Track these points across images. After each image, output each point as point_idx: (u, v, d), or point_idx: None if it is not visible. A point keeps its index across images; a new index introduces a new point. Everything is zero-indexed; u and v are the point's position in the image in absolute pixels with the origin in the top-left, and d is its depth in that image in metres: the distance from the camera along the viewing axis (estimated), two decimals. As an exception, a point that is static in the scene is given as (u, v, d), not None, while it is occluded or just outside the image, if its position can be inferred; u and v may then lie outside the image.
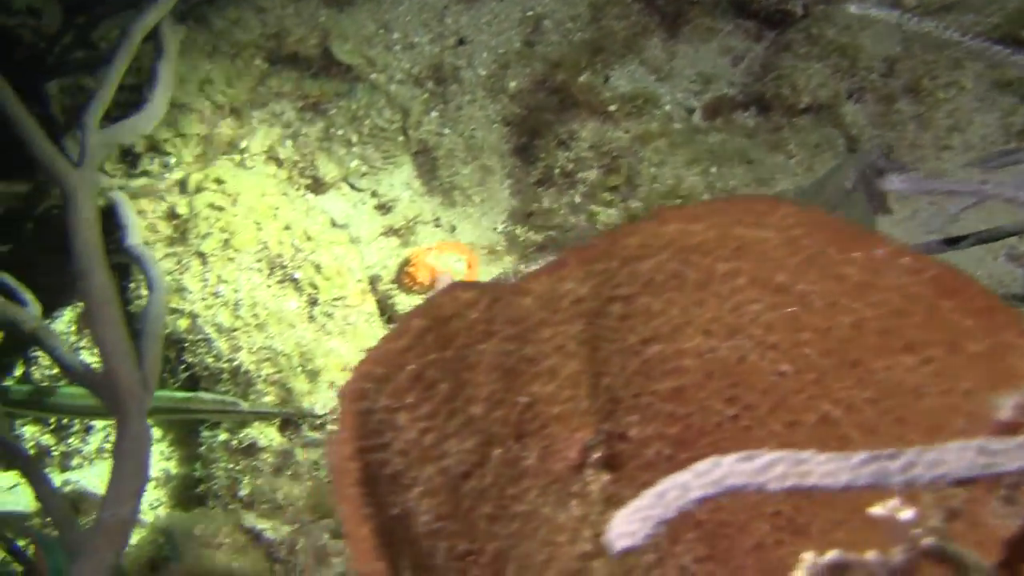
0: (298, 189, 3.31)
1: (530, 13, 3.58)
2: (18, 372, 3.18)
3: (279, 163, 3.32)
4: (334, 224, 3.21)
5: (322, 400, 2.92)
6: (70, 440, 3.13)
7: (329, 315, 2.97)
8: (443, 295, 1.25)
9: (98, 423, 3.12)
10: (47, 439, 3.13)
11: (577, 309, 1.40)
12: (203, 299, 2.96)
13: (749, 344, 1.49)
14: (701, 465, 1.33)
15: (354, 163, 3.38)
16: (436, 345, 1.23)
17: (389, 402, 1.18)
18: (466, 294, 1.27)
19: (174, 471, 3.10)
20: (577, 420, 1.46)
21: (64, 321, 3.15)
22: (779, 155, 3.09)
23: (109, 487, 2.11)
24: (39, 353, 3.11)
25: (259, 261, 3.00)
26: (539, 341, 1.39)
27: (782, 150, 3.12)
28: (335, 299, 2.98)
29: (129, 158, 3.25)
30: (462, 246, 3.10)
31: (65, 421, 3.13)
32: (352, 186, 3.39)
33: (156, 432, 3.10)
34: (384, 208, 3.36)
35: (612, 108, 3.29)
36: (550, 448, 1.46)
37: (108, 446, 3.11)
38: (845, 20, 3.39)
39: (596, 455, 1.48)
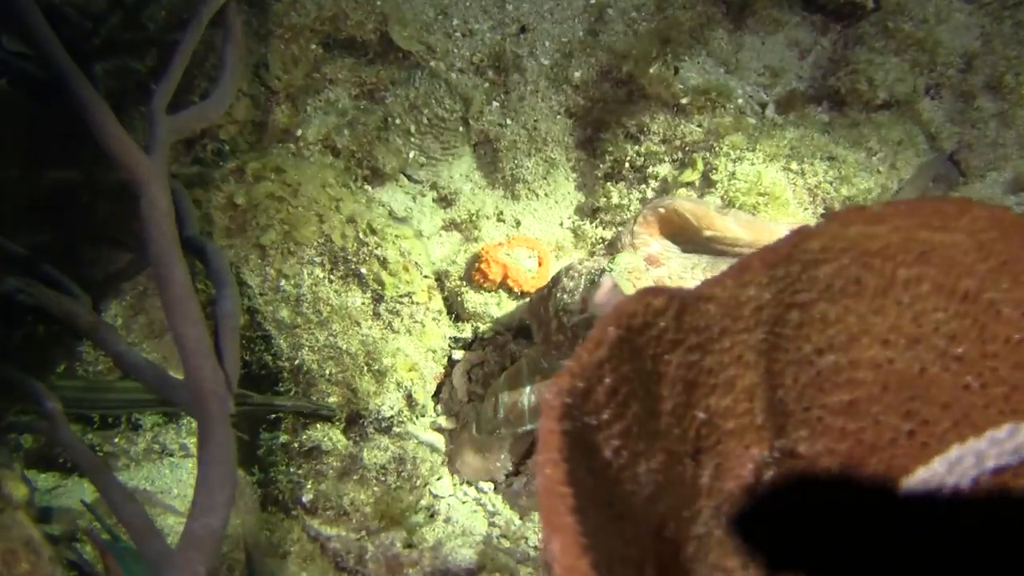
0: (356, 180, 3.21)
1: (593, 1, 3.47)
2: (61, 368, 3.07)
3: (336, 153, 3.21)
4: (393, 217, 3.10)
5: (389, 401, 2.81)
6: (116, 440, 3.01)
7: (395, 312, 2.87)
8: (635, 302, 1.15)
9: (146, 422, 3.00)
10: (91, 438, 3.02)
11: (758, 317, 1.30)
12: (262, 294, 2.85)
13: (930, 355, 1.38)
14: (998, 432, 1.23)
15: (412, 153, 3.28)
16: (629, 356, 1.14)
17: (589, 420, 1.08)
18: (657, 301, 1.17)
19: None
20: (751, 435, 1.36)
21: (110, 315, 3.03)
22: (860, 152, 3.00)
23: (197, 496, 2.00)
24: (85, 347, 2.99)
25: (321, 255, 2.89)
26: (719, 351, 1.30)
27: (863, 147, 3.02)
28: (401, 296, 2.87)
29: (181, 144, 3.14)
30: (533, 241, 3.00)
31: (111, 420, 3.02)
32: (410, 178, 3.29)
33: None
34: (445, 201, 3.26)
35: (684, 100, 3.19)
36: (723, 466, 1.36)
37: (156, 447, 3.00)
38: (921, 13, 3.30)
39: (769, 474, 1.39)
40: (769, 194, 2.83)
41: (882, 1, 3.43)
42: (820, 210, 2.88)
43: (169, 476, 2.93)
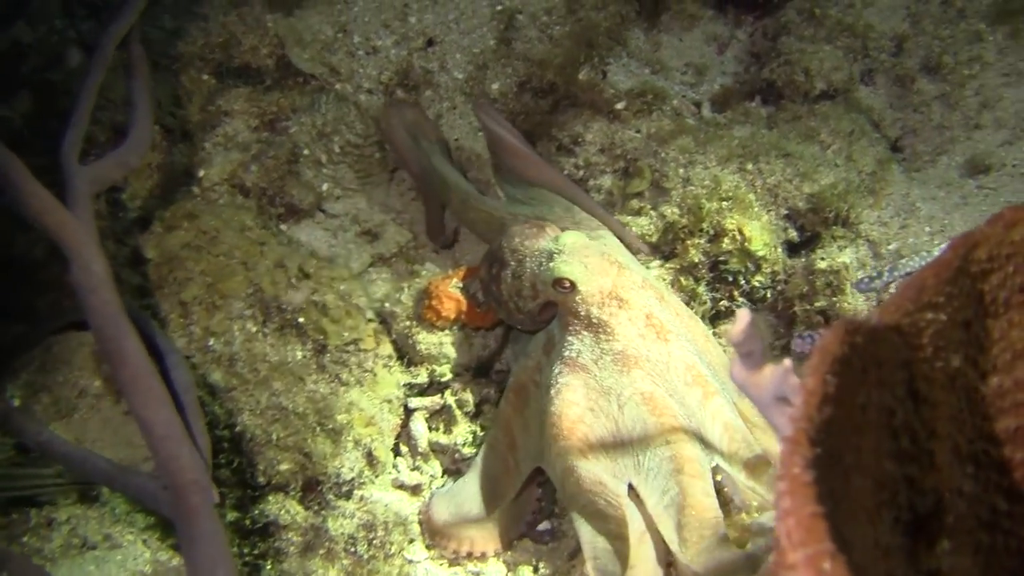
0: (271, 220, 3.08)
1: (500, 8, 3.43)
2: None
3: (245, 192, 3.06)
4: (317, 257, 2.99)
5: (348, 462, 2.68)
6: (25, 539, 2.80)
7: (342, 363, 2.74)
8: (838, 344, 1.08)
9: (61, 514, 2.80)
10: (-7, 539, 2.80)
11: (939, 342, 1.24)
12: (189, 356, 2.70)
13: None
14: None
15: (326, 186, 3.15)
16: (842, 406, 1.07)
17: (829, 486, 1.01)
18: (857, 338, 1.10)
19: (174, 560, 2.80)
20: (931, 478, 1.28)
21: (70, 349, 2.78)
22: (814, 146, 3.02)
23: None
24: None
25: (252, 307, 2.74)
26: (921, 381, 1.23)
27: (815, 140, 3.04)
28: (346, 344, 2.75)
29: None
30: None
31: (16, 516, 2.81)
32: (328, 212, 3.18)
33: (138, 517, 2.81)
34: (370, 235, 3.15)
35: (619, 106, 3.16)
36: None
37: (76, 540, 2.80)
38: (845, -2, 3.40)
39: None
40: (732, 198, 2.84)
41: (796, -12, 3.52)
42: (783, 211, 2.90)
43: (96, 573, 2.74)
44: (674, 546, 2.32)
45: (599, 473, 2.42)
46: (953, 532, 1.26)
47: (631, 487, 2.42)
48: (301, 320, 2.74)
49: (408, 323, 2.84)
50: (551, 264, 2.54)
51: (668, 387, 2.50)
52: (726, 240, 2.81)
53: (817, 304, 2.72)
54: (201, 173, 3.03)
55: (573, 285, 2.52)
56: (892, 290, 2.60)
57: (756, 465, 2.46)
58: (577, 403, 2.49)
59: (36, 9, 2.99)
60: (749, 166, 2.94)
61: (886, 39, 3.33)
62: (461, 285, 2.83)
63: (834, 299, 2.70)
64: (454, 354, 2.84)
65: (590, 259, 2.55)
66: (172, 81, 3.08)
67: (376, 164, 3.22)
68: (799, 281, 2.80)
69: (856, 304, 2.66)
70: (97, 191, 2.33)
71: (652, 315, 2.55)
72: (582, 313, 2.54)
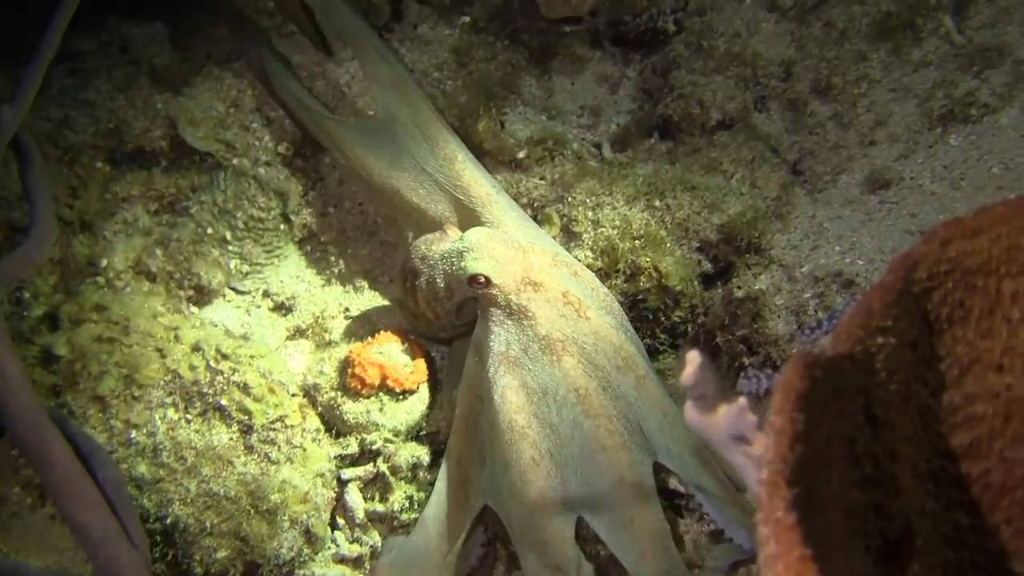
0: (181, 303, 3.07)
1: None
2: None
3: (152, 277, 3.03)
4: (232, 336, 2.98)
5: (287, 542, 2.67)
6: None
7: (270, 441, 2.73)
8: (799, 379, 1.11)
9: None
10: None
11: (891, 365, 1.28)
12: (112, 452, 2.67)
13: (1054, 374, 1.32)
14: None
15: (234, 263, 3.14)
16: (811, 442, 1.10)
17: (803, 513, 1.04)
18: (816, 371, 1.14)
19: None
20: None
21: None
22: (717, 176, 3.10)
23: None
24: None
25: (171, 395, 2.71)
26: (877, 405, 1.27)
27: (718, 171, 3.12)
28: (272, 422, 2.73)
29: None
30: (400, 333, 2.95)
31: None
32: (237, 290, 3.17)
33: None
34: (283, 308, 3.13)
35: (521, 155, 3.22)
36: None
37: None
38: (731, 28, 3.47)
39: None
40: (644, 236, 2.90)
41: (684, 23, 3.61)
42: (695, 244, 2.97)
43: None
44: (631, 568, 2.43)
45: (550, 517, 2.54)
46: (923, 554, 1.29)
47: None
48: (223, 402, 2.72)
49: (333, 394, 2.84)
50: (463, 264, 2.69)
51: (601, 376, 2.65)
52: (643, 278, 2.87)
53: (739, 333, 2.78)
54: (104, 262, 3.00)
55: (487, 279, 2.65)
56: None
57: (700, 454, 2.60)
58: (522, 408, 2.62)
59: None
60: (657, 202, 3.01)
61: (775, 65, 3.42)
62: (382, 350, 2.85)
63: (755, 326, 2.76)
64: (382, 420, 2.85)
65: (497, 250, 2.70)
66: (65, 172, 3.05)
67: (282, 236, 3.23)
68: (719, 312, 2.86)
69: (777, 329, 2.72)
70: (4, 291, 2.30)
71: (568, 292, 2.70)
72: (502, 302, 2.69)
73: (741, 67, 3.39)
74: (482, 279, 2.67)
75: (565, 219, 3.04)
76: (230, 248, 3.16)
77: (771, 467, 0.98)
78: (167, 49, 3.36)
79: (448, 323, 2.89)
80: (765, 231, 2.95)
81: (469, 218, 2.96)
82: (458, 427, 2.75)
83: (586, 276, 2.83)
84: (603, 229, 2.96)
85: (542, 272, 2.71)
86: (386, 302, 3.19)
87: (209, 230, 3.14)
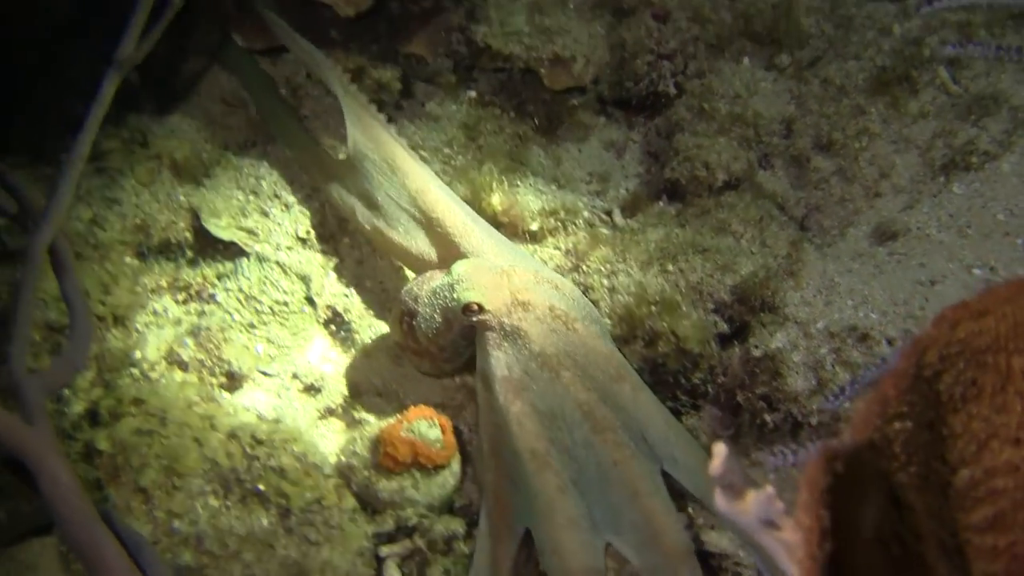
0: (213, 390, 3.17)
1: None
2: None
3: (184, 367, 3.14)
4: (264, 421, 3.08)
5: (332, 620, 2.77)
6: None
7: (308, 523, 2.81)
8: (822, 472, 1.18)
9: None
10: None
11: (909, 448, 1.35)
12: (156, 542, 2.76)
13: (1070, 443, 1.38)
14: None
15: (262, 347, 3.27)
16: (838, 535, 1.16)
17: None
18: (838, 465, 1.20)
19: None
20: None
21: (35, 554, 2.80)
22: (727, 237, 3.20)
23: None
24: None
25: (211, 483, 2.81)
26: (899, 488, 1.34)
27: (728, 232, 3.22)
28: (310, 504, 2.83)
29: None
30: (428, 409, 3.02)
31: None
32: (266, 374, 3.28)
33: None
34: (313, 389, 3.24)
35: (534, 227, 3.34)
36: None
37: None
38: (731, 90, 3.57)
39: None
40: (660, 301, 3.00)
41: (684, 85, 3.72)
42: (710, 306, 3.07)
43: None
44: None
45: (579, 544, 2.69)
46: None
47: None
48: (262, 487, 2.81)
49: (367, 473, 2.93)
50: (455, 295, 2.88)
51: (598, 388, 2.81)
52: (661, 343, 2.96)
53: (759, 391, 2.86)
54: (138, 355, 3.11)
55: (480, 306, 2.84)
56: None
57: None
58: (540, 435, 2.77)
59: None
60: (670, 267, 3.10)
61: (776, 123, 3.51)
62: (412, 428, 2.94)
63: (774, 384, 2.84)
64: (416, 496, 2.94)
65: (484, 278, 2.89)
66: (97, 269, 3.17)
67: (307, 318, 3.33)
68: (737, 371, 2.94)
69: (796, 386, 2.81)
70: (49, 397, 2.41)
71: (555, 307, 2.89)
72: (495, 326, 2.87)
73: (743, 127, 3.48)
74: (475, 306, 2.85)
75: (581, 287, 3.13)
76: (257, 333, 3.26)
77: (802, 566, 1.07)
78: (186, 142, 3.48)
79: (452, 354, 3.09)
80: (778, 289, 3.03)
81: (448, 248, 3.12)
82: (488, 463, 2.88)
83: (567, 288, 3.00)
84: (619, 296, 3.06)
85: (527, 291, 2.88)
86: (412, 375, 3.27)
87: (236, 316, 3.24)
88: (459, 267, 2.93)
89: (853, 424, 1.31)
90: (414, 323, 3.02)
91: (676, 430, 2.82)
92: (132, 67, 2.79)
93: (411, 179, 3.14)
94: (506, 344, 2.86)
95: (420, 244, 3.17)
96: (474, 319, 2.87)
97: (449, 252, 3.10)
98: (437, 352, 3.07)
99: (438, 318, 2.96)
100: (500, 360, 2.85)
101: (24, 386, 2.30)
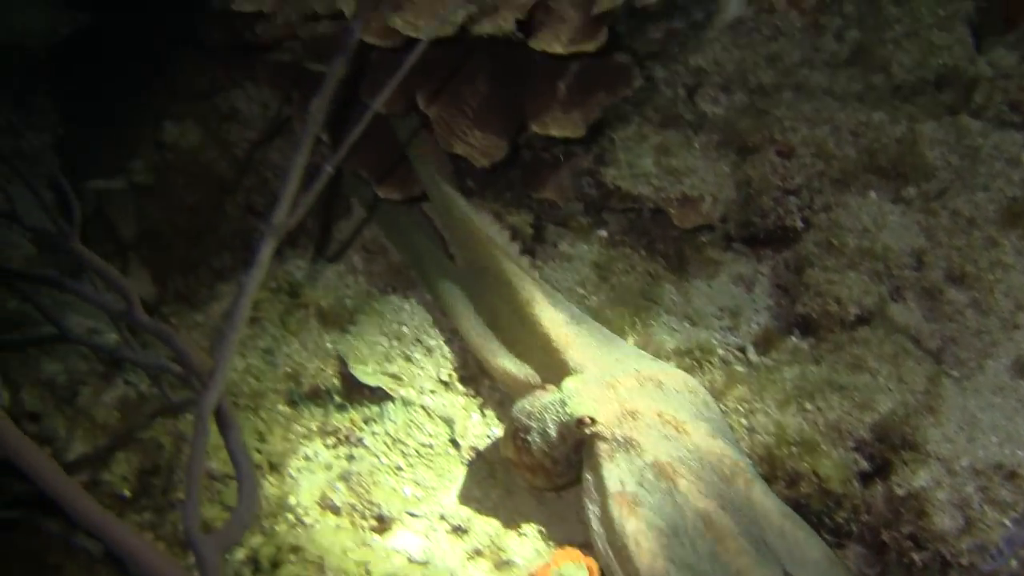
0: (365, 534, 3.28)
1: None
2: None
3: (336, 511, 3.28)
4: (415, 563, 3.18)
5: None
6: None
7: (465, 664, 2.92)
8: None
9: None
10: None
11: None
12: None
13: None
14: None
15: (409, 490, 3.39)
16: None
17: None
18: None
19: None
20: None
21: None
22: (863, 374, 3.25)
23: None
24: None
25: (371, 629, 2.94)
26: None
27: (864, 368, 3.27)
28: (464, 647, 2.93)
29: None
30: (576, 552, 3.10)
31: None
32: (413, 515, 3.38)
33: None
34: (459, 530, 3.34)
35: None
36: None
37: None
38: (859, 224, 3.64)
39: None
40: (800, 441, 3.06)
41: (811, 220, 3.80)
42: (850, 444, 3.10)
43: None
44: None
45: None
46: None
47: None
48: (417, 629, 2.91)
49: (518, 616, 3.01)
50: (567, 409, 3.03)
51: (716, 493, 2.83)
52: (803, 484, 3.01)
53: (905, 530, 2.89)
54: (293, 500, 3.24)
55: (592, 419, 2.98)
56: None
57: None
58: (658, 554, 2.76)
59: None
60: (808, 405, 3.16)
61: (906, 255, 3.54)
62: (561, 572, 3.01)
63: (920, 523, 2.87)
64: (567, 638, 3.00)
65: (592, 391, 3.05)
66: (252, 418, 3.33)
67: (452, 460, 3.45)
68: (882, 510, 2.97)
69: (943, 525, 2.83)
70: (226, 552, 2.54)
71: (663, 412, 3.00)
72: (609, 437, 2.96)
73: (873, 260, 3.52)
74: (588, 419, 2.97)
75: (721, 429, 3.19)
76: (404, 475, 3.38)
77: None
78: (331, 290, 3.66)
79: (565, 467, 3.17)
80: (918, 425, 3.06)
81: (552, 363, 3.31)
82: None
83: (671, 381, 3.13)
84: (759, 436, 3.12)
85: (634, 400, 3.02)
86: (557, 513, 3.34)
87: (384, 459, 3.37)
88: (569, 383, 3.10)
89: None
90: (529, 438, 3.14)
91: (796, 529, 2.84)
92: (286, 233, 2.96)
93: (518, 290, 3.38)
94: (618, 455, 2.93)
95: (525, 370, 3.40)
96: (587, 431, 2.98)
97: (553, 366, 3.28)
98: (551, 466, 3.17)
99: (552, 431, 3.08)
100: (612, 473, 2.91)
101: (201, 548, 2.42)
